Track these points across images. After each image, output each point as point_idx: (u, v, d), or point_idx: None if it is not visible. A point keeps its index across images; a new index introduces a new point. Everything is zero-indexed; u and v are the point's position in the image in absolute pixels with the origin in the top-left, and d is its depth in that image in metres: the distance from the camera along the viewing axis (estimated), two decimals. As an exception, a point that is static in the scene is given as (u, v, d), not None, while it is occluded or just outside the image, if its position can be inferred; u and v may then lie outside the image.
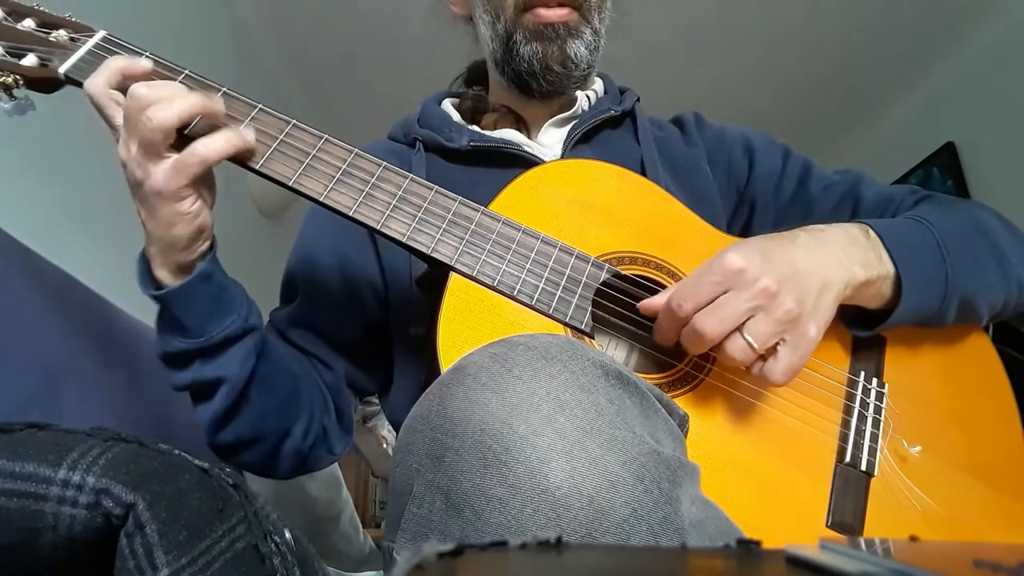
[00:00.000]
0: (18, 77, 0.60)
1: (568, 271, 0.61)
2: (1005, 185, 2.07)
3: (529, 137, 0.82)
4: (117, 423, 0.60)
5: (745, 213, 0.81)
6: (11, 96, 0.61)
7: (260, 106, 0.61)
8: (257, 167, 0.59)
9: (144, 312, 0.62)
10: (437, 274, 0.61)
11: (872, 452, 0.61)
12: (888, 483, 0.60)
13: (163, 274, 0.59)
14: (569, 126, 0.80)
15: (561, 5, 0.75)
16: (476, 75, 0.91)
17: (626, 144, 0.81)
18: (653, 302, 0.59)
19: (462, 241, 0.60)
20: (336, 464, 1.19)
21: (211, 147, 0.55)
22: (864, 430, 0.61)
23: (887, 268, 0.61)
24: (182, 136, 0.56)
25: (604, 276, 0.62)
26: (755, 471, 0.57)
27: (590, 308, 0.60)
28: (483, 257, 0.60)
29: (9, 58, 0.60)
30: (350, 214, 0.59)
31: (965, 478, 0.62)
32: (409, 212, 0.60)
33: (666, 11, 2.15)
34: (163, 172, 0.55)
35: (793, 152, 0.83)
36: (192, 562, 0.41)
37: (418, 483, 0.39)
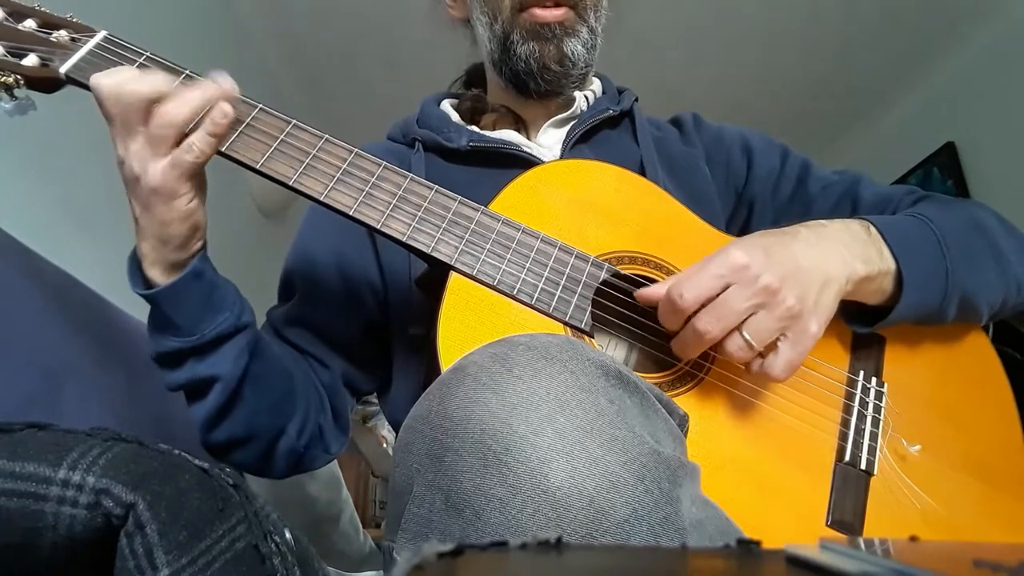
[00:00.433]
0: (19, 77, 0.60)
1: (568, 270, 0.61)
2: (1005, 185, 2.07)
3: (528, 138, 0.82)
4: (117, 423, 0.60)
5: (743, 213, 0.82)
6: (12, 96, 0.61)
7: (260, 106, 0.61)
8: (257, 167, 0.59)
9: (144, 312, 0.62)
10: (437, 274, 0.61)
11: (872, 451, 0.61)
12: (888, 482, 0.60)
13: (155, 272, 0.58)
14: (568, 126, 0.81)
15: (557, 5, 0.75)
16: (475, 77, 0.92)
17: (625, 144, 0.81)
18: (650, 291, 0.59)
19: (462, 240, 0.60)
20: (336, 464, 1.19)
21: (204, 137, 0.55)
22: (864, 429, 0.61)
23: (888, 264, 0.62)
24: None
25: (603, 275, 0.62)
26: (755, 470, 0.57)
27: (590, 307, 0.60)
28: (483, 256, 0.60)
29: (10, 58, 0.60)
30: (350, 213, 0.59)
31: (964, 477, 0.62)
32: (409, 212, 0.60)
33: (665, 11, 2.15)
34: (162, 169, 0.55)
35: (792, 152, 0.83)
36: (192, 562, 0.41)
37: (418, 483, 0.39)
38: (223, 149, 0.59)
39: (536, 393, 0.37)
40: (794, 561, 0.22)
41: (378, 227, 0.59)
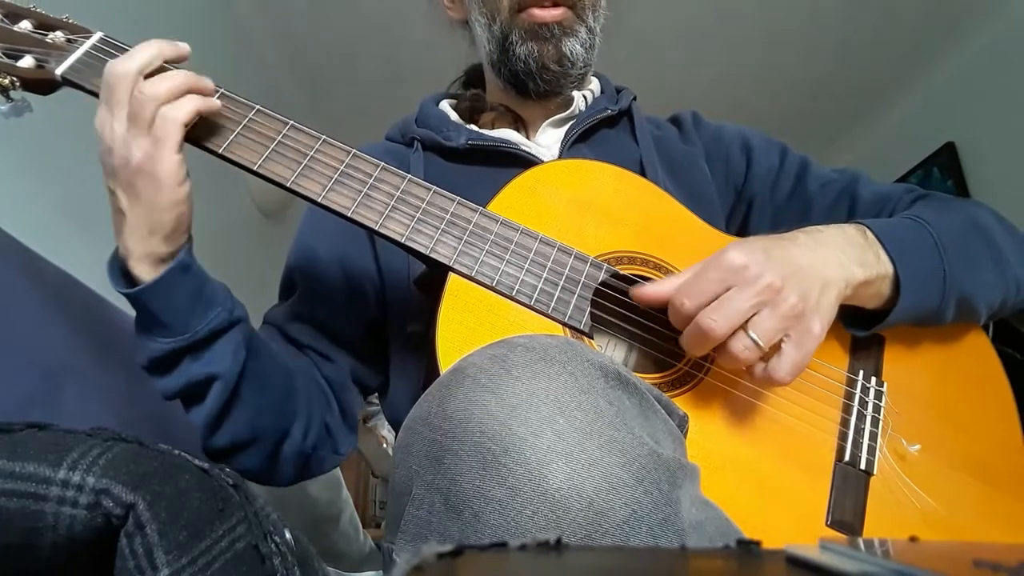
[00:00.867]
0: (15, 79, 0.60)
1: (566, 271, 0.61)
2: (1005, 185, 2.07)
3: (527, 137, 0.82)
4: (117, 423, 0.60)
5: (743, 211, 0.81)
6: (8, 98, 0.61)
7: (258, 107, 0.61)
8: (255, 168, 0.59)
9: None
10: (435, 274, 0.61)
11: (871, 451, 0.61)
12: (887, 482, 0.60)
13: (141, 268, 0.57)
14: (567, 126, 0.80)
15: (556, 5, 0.75)
16: (473, 78, 0.91)
17: (624, 143, 0.81)
18: (645, 290, 0.58)
19: (460, 241, 0.60)
20: (336, 464, 1.19)
21: (179, 107, 0.55)
22: (863, 429, 0.61)
23: (885, 268, 0.62)
24: None
25: (603, 276, 0.62)
26: (755, 470, 0.57)
27: (589, 308, 0.60)
28: (482, 257, 0.60)
29: (6, 59, 0.60)
30: (348, 215, 0.59)
31: (964, 477, 0.62)
32: (407, 212, 0.60)
33: (665, 11, 2.15)
34: (145, 145, 0.54)
35: (791, 150, 0.83)
36: (192, 562, 0.41)
37: (417, 484, 0.39)
38: (221, 151, 0.59)
39: (535, 394, 0.37)
40: (794, 561, 0.22)
41: (376, 228, 0.59)
